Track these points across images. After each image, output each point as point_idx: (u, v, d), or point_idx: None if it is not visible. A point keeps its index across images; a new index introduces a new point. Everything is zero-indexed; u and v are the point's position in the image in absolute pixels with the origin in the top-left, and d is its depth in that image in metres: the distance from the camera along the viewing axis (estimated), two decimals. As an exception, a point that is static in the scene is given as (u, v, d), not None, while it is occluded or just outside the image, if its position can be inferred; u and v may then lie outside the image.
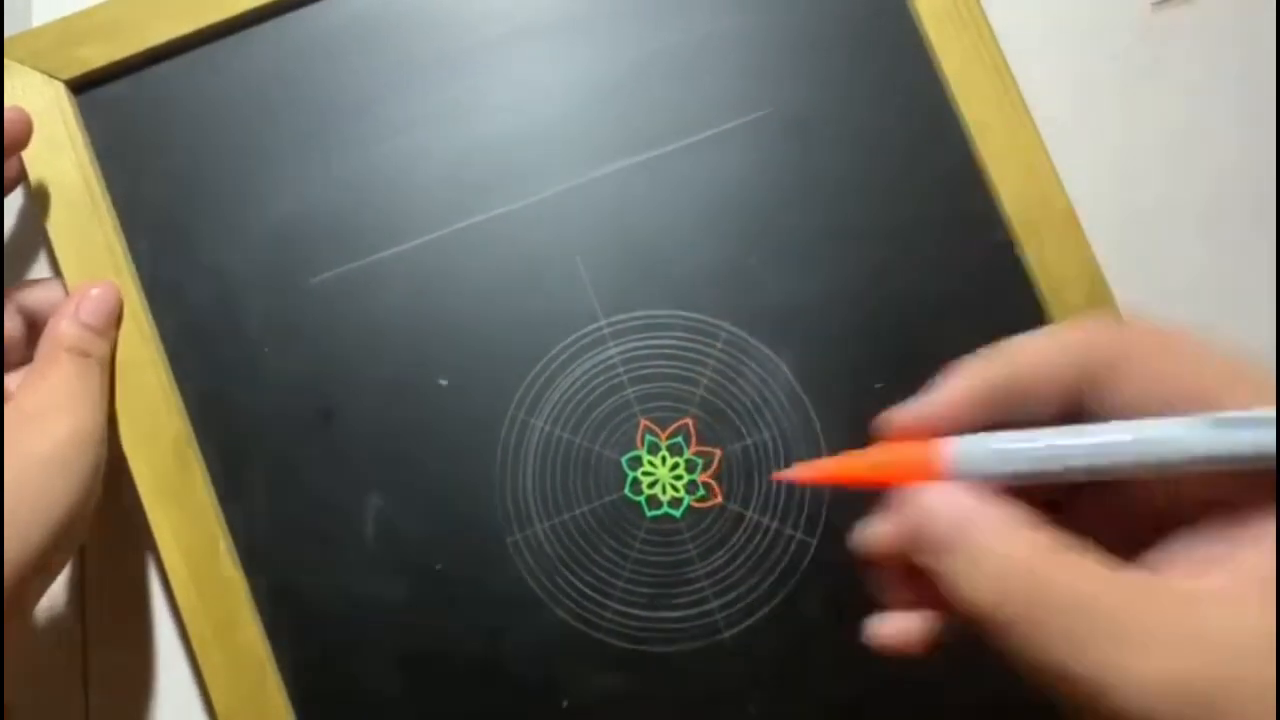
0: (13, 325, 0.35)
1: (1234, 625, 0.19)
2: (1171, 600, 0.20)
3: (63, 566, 0.34)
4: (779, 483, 0.34)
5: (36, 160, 0.36)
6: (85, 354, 0.34)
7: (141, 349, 0.36)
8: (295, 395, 0.36)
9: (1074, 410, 0.23)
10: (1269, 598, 0.19)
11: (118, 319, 0.36)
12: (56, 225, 0.36)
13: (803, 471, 0.26)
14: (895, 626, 0.25)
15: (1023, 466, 0.22)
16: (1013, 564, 0.21)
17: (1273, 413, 0.20)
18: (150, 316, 0.36)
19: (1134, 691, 0.19)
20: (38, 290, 0.36)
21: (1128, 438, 0.21)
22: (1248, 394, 0.21)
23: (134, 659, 0.38)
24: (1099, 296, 0.36)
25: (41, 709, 0.38)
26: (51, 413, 0.32)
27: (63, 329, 0.34)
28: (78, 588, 0.39)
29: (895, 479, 0.24)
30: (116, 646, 0.38)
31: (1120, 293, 0.36)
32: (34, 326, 0.36)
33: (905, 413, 0.24)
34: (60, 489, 0.31)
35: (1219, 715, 0.19)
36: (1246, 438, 0.20)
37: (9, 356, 0.35)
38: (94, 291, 0.35)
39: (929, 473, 0.23)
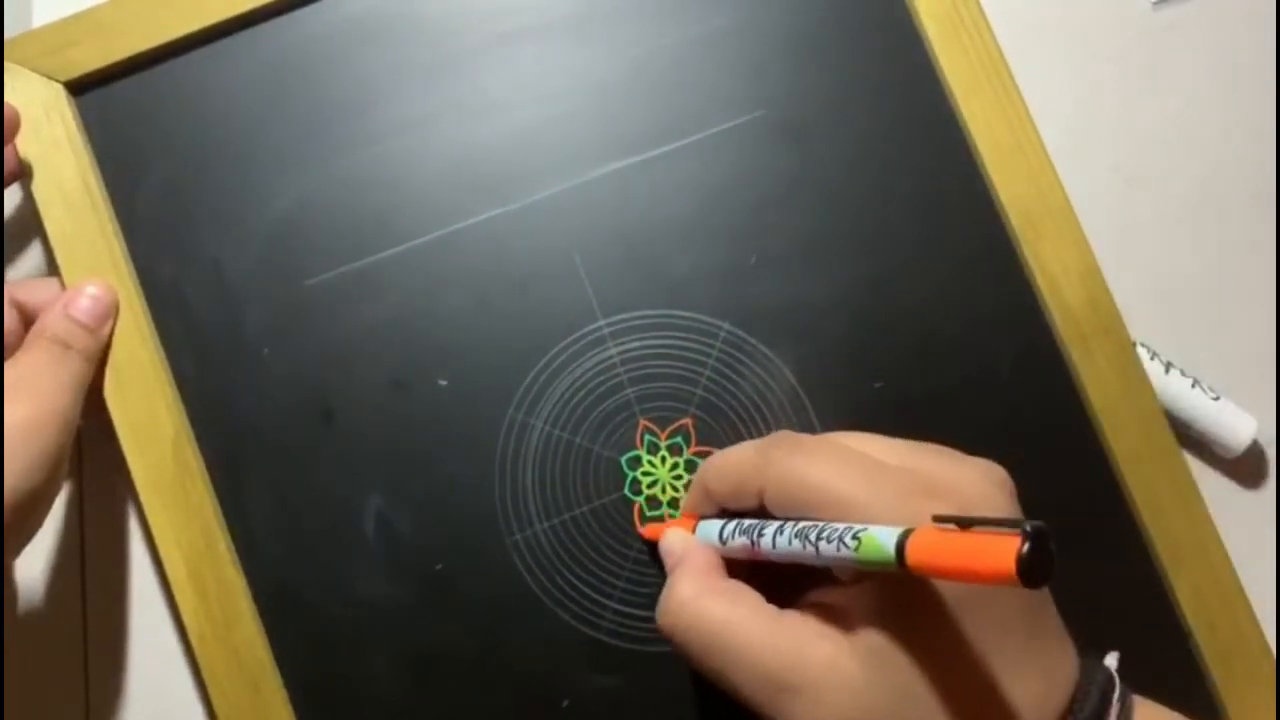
0: (11, 320, 0.35)
1: (812, 651, 0.28)
2: (788, 641, 0.28)
3: (15, 553, 0.33)
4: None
5: (36, 161, 0.36)
6: (66, 346, 0.34)
7: (140, 349, 0.36)
8: (294, 395, 0.36)
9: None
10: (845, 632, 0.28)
11: (110, 317, 0.36)
12: (55, 225, 0.36)
13: (647, 531, 0.36)
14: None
15: (716, 543, 0.32)
16: (682, 598, 0.30)
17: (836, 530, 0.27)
18: (149, 316, 0.36)
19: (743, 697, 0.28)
20: (36, 287, 0.36)
21: (763, 541, 0.29)
22: (834, 511, 0.27)
23: (133, 659, 0.38)
24: (1097, 296, 0.36)
25: (41, 709, 0.38)
26: (10, 394, 0.32)
27: (48, 320, 0.34)
28: (78, 588, 0.39)
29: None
30: (116, 646, 0.38)
31: (1120, 293, 0.36)
32: (30, 323, 0.36)
33: (682, 505, 0.35)
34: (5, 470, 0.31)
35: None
36: (828, 550, 0.27)
37: (6, 351, 0.35)
38: (89, 289, 0.35)
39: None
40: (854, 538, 0.25)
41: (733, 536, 0.31)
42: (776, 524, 0.29)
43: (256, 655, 0.35)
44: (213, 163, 0.37)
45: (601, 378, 0.36)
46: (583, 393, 0.36)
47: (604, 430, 0.36)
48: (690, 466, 0.36)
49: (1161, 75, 0.40)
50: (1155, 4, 0.40)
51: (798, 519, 0.29)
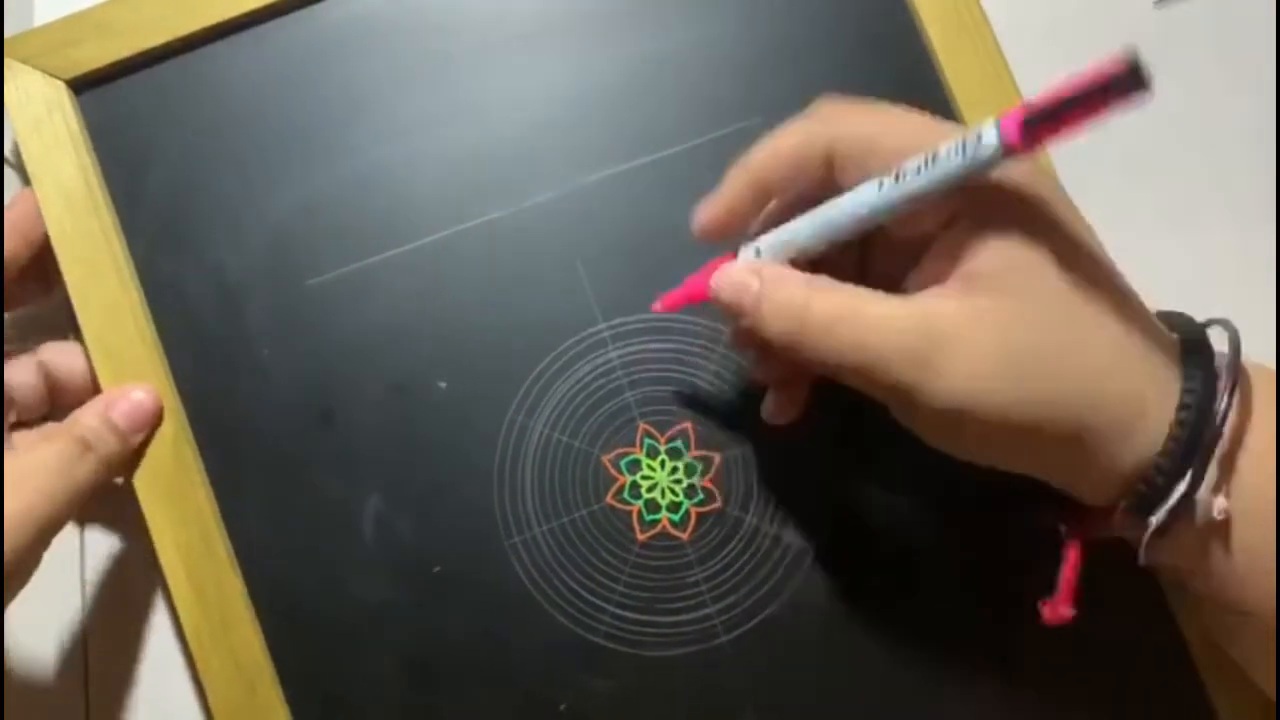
0: (36, 382, 0.35)
1: (939, 307, 0.26)
2: (901, 302, 0.26)
3: None
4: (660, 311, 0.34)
5: (37, 160, 0.36)
6: (88, 447, 0.34)
7: (140, 349, 0.36)
8: (294, 397, 0.36)
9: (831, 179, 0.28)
10: (965, 288, 0.26)
11: (148, 426, 0.35)
12: (56, 225, 0.36)
13: (663, 302, 0.33)
14: (773, 401, 0.32)
15: (777, 253, 0.29)
16: (795, 301, 0.27)
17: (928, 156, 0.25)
18: (149, 316, 0.36)
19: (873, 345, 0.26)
20: (63, 354, 0.36)
21: (835, 210, 0.27)
22: (920, 141, 0.26)
23: (132, 660, 0.38)
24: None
25: (41, 710, 0.38)
26: (7, 487, 0.32)
27: (84, 417, 0.34)
28: (77, 588, 0.39)
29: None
30: (115, 647, 0.38)
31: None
32: (53, 388, 0.36)
33: (702, 211, 0.30)
34: None
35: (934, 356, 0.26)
36: (912, 181, 0.25)
37: (24, 410, 0.35)
38: (134, 393, 0.35)
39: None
40: (957, 151, 0.24)
41: (794, 230, 0.28)
42: (849, 191, 0.27)
43: (254, 657, 0.35)
44: (214, 162, 0.37)
45: (601, 381, 0.36)
46: (582, 396, 0.36)
47: (603, 433, 0.36)
48: (690, 470, 0.36)
49: (1162, 75, 0.40)
50: (1156, 4, 0.40)
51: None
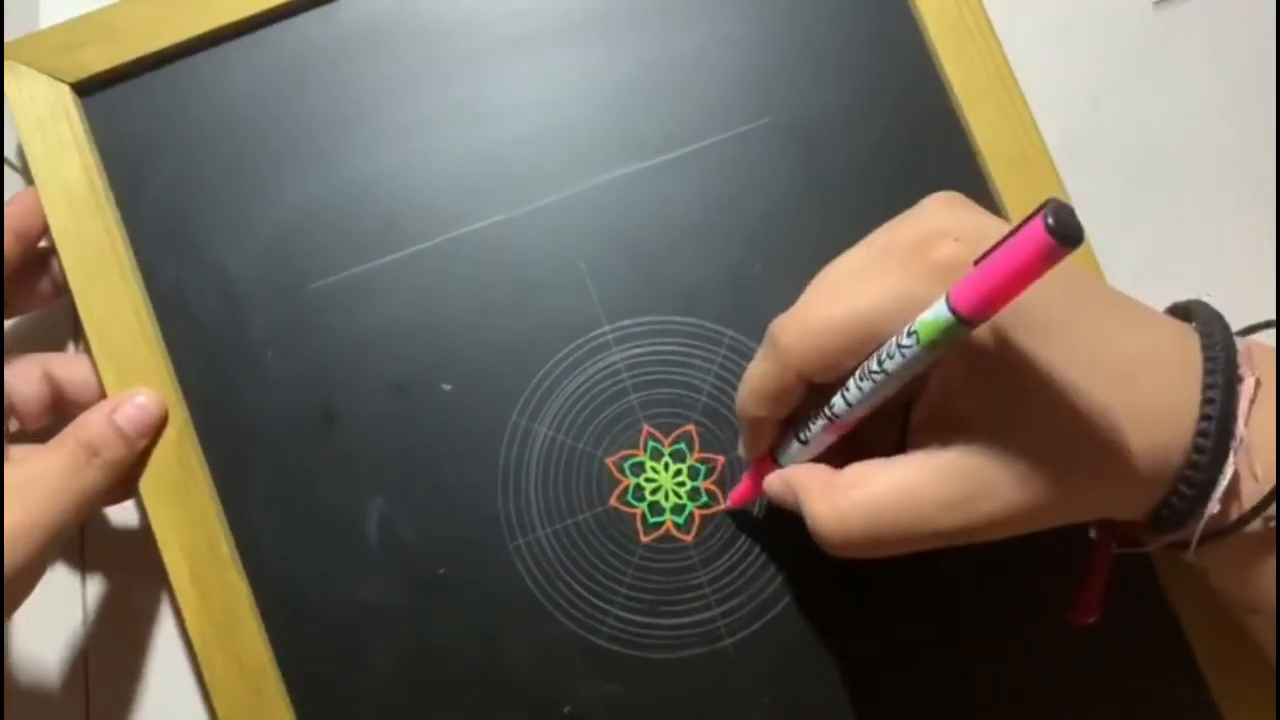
0: (41, 391, 0.35)
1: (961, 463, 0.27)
2: (927, 470, 0.27)
3: None
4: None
5: (41, 162, 0.36)
6: (93, 453, 0.34)
7: (144, 351, 0.36)
8: (298, 399, 0.36)
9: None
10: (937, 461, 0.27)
11: (152, 432, 0.35)
12: (60, 227, 0.36)
13: (731, 500, 0.35)
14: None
15: (801, 451, 0.31)
16: (835, 510, 0.28)
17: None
18: (153, 319, 0.36)
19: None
20: (70, 365, 0.36)
21: (832, 405, 0.29)
22: (870, 330, 0.27)
23: (135, 661, 0.38)
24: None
25: (43, 712, 0.38)
26: (14, 494, 0.32)
27: (89, 422, 0.34)
28: (79, 589, 0.39)
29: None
30: (118, 648, 0.38)
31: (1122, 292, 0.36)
32: (58, 397, 0.36)
33: (747, 455, 0.33)
34: None
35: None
36: (895, 365, 0.26)
37: (26, 419, 0.35)
38: (138, 398, 0.35)
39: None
40: (909, 335, 0.25)
41: (810, 430, 0.30)
42: (838, 390, 0.28)
43: (258, 658, 0.35)
44: (218, 165, 0.37)
45: (605, 383, 0.36)
46: (586, 398, 0.36)
47: (607, 436, 0.36)
48: (693, 473, 0.36)
49: (1162, 75, 0.40)
50: (1156, 4, 0.40)
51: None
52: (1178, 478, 0.27)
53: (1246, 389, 0.27)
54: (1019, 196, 0.36)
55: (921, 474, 0.27)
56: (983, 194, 0.36)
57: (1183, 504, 0.27)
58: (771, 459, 0.32)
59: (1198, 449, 0.26)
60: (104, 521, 0.39)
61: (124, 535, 0.39)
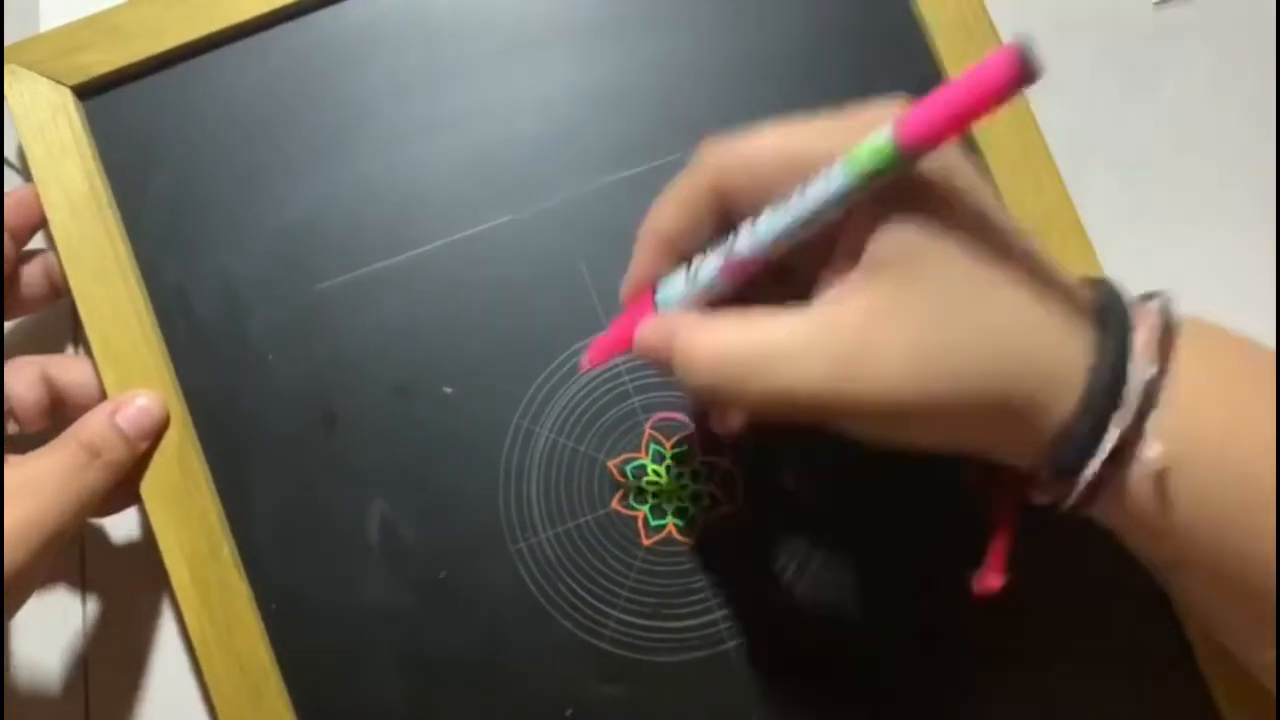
0: (39, 393, 0.35)
1: (842, 317, 0.25)
2: (819, 320, 0.25)
3: None
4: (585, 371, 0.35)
5: (42, 165, 0.36)
6: (95, 454, 0.34)
7: (145, 354, 0.36)
8: (299, 401, 0.36)
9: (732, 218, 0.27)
10: (866, 280, 0.25)
11: (153, 434, 0.35)
12: (62, 230, 0.36)
13: (589, 357, 0.32)
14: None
15: (688, 290, 0.28)
16: (703, 352, 0.26)
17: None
18: (154, 322, 0.36)
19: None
20: (69, 367, 0.36)
21: (735, 238, 0.26)
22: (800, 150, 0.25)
23: (136, 663, 0.38)
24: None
25: (43, 714, 0.38)
26: (15, 494, 0.32)
27: (90, 423, 0.34)
28: (79, 590, 0.39)
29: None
30: (118, 650, 0.38)
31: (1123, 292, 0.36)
32: (57, 400, 0.36)
33: (625, 288, 0.30)
34: None
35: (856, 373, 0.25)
36: (818, 193, 0.24)
37: (25, 422, 0.35)
38: (139, 399, 0.35)
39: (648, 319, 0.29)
40: (840, 165, 0.24)
41: (701, 267, 0.27)
42: (748, 221, 0.26)
43: (259, 661, 0.35)
44: (220, 168, 0.37)
45: (607, 386, 0.36)
46: (588, 401, 0.36)
47: (609, 439, 0.36)
48: (696, 476, 0.36)
49: (1162, 75, 0.40)
50: (1156, 4, 0.40)
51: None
52: (1070, 423, 0.25)
53: (1143, 344, 0.25)
54: (1021, 197, 0.36)
55: (807, 322, 0.25)
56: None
57: (1076, 449, 0.25)
58: (651, 303, 0.29)
59: (1089, 397, 0.25)
60: (105, 523, 0.39)
61: (125, 537, 0.39)
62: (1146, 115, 0.40)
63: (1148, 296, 0.28)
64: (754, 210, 0.26)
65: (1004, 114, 0.36)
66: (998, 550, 0.30)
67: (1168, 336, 0.26)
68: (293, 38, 0.38)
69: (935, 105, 0.22)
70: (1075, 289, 0.27)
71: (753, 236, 0.26)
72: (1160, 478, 0.26)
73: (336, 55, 0.37)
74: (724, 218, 0.27)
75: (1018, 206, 0.36)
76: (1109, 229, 0.37)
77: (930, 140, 0.23)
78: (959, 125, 0.22)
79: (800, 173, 0.25)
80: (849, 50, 0.37)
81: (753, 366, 0.25)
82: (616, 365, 0.36)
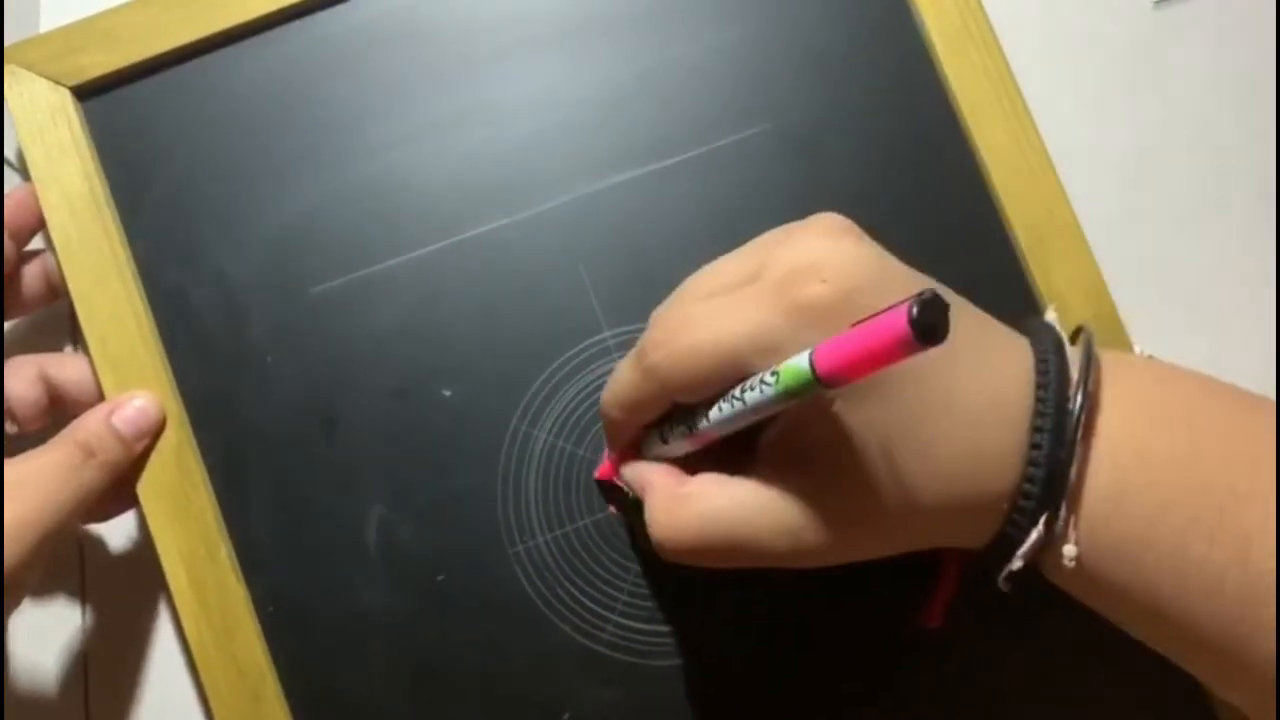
0: (36, 391, 0.35)
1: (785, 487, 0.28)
2: (766, 497, 0.28)
3: None
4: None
5: (41, 167, 0.36)
6: (90, 454, 0.34)
7: (144, 356, 0.36)
8: (297, 404, 0.36)
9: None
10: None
11: (150, 434, 0.35)
12: (60, 231, 0.36)
13: (598, 474, 0.36)
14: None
15: (661, 452, 0.31)
16: (668, 516, 0.29)
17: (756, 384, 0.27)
18: (152, 324, 0.36)
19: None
20: (66, 365, 0.36)
21: (695, 420, 0.29)
22: (735, 363, 0.27)
23: (134, 666, 0.38)
24: (1104, 312, 0.36)
25: (42, 715, 0.38)
26: (10, 492, 0.32)
27: (87, 423, 0.34)
28: (78, 593, 0.39)
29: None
30: (116, 654, 0.38)
31: (1123, 293, 0.36)
32: (56, 399, 0.36)
33: (609, 451, 0.35)
34: None
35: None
36: (756, 398, 0.27)
37: (23, 421, 0.35)
38: (136, 400, 0.35)
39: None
40: (772, 375, 0.26)
41: (673, 435, 0.31)
42: (705, 407, 0.29)
43: (257, 664, 0.35)
44: (219, 169, 0.37)
45: (606, 389, 0.36)
46: (587, 404, 0.36)
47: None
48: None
49: (1162, 75, 0.40)
50: (1156, 4, 0.40)
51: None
52: (1006, 519, 0.28)
53: (1074, 421, 0.27)
54: (1019, 201, 0.36)
55: (758, 498, 0.28)
56: (983, 199, 0.36)
57: (1007, 546, 0.28)
58: (634, 449, 0.33)
59: (1025, 495, 0.27)
60: (104, 526, 0.39)
61: (123, 540, 0.39)
62: (1146, 115, 0.40)
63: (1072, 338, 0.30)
64: (696, 397, 0.29)
65: (1002, 114, 0.36)
66: (941, 597, 0.34)
67: (1117, 388, 0.28)
68: (292, 39, 0.38)
69: (842, 347, 0.24)
70: (1016, 365, 0.28)
71: (708, 422, 0.29)
72: (1078, 562, 0.28)
73: (336, 57, 0.37)
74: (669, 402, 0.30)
75: (1016, 207, 0.36)
76: (1108, 229, 0.37)
77: (843, 377, 0.24)
78: (865, 369, 0.23)
79: (737, 373, 0.27)
80: (846, 56, 0.37)
81: (718, 540, 0.29)
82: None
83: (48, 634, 0.39)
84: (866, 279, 0.27)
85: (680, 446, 0.31)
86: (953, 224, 0.37)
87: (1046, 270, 0.36)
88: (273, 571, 0.36)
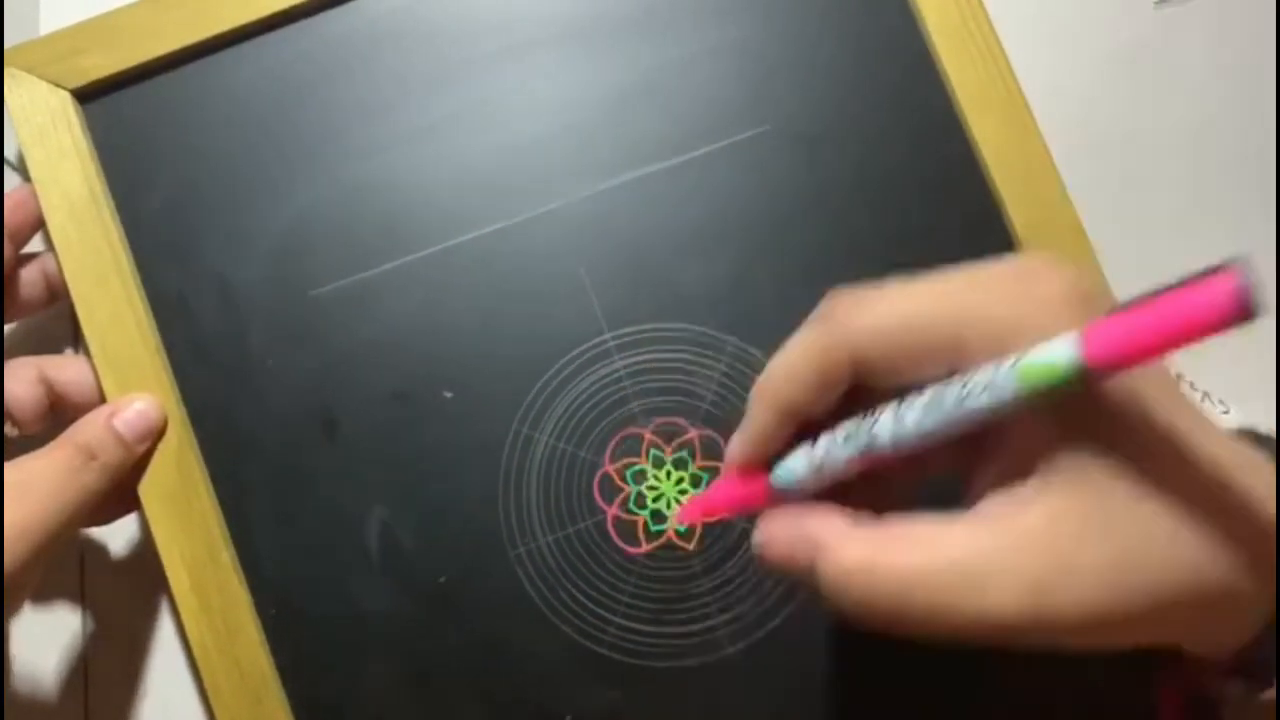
0: (36, 393, 0.35)
1: (1051, 554, 0.22)
2: (1005, 540, 0.22)
3: None
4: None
5: (42, 169, 0.36)
6: (91, 456, 0.33)
7: (144, 359, 0.36)
8: (298, 407, 0.36)
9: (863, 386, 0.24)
10: (1068, 528, 0.22)
11: (151, 436, 0.35)
12: (61, 233, 0.36)
13: (681, 514, 0.32)
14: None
15: (811, 475, 0.25)
16: (847, 571, 0.23)
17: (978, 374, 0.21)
18: (153, 327, 0.36)
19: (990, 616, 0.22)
20: (66, 367, 0.36)
21: (875, 425, 0.23)
22: (951, 332, 0.22)
23: (136, 669, 0.38)
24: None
25: (42, 718, 0.38)
26: (11, 495, 0.32)
27: (88, 425, 0.34)
28: (79, 596, 0.39)
29: (743, 508, 0.27)
30: (118, 657, 0.38)
31: (1123, 294, 0.36)
32: (56, 401, 0.36)
33: (733, 452, 0.27)
34: None
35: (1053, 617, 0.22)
36: (980, 401, 0.21)
37: (24, 424, 0.35)
38: (136, 403, 0.35)
39: (760, 498, 0.26)
40: (1011, 368, 0.20)
41: (832, 453, 0.24)
42: (889, 406, 0.23)
43: (259, 667, 0.35)
44: (219, 172, 0.37)
45: (607, 391, 0.36)
46: (588, 406, 0.36)
47: (609, 443, 0.36)
48: (695, 481, 0.36)
49: (1163, 75, 0.40)
50: (1156, 4, 0.40)
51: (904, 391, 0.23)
52: (1264, 633, 0.23)
53: None
54: (1020, 202, 0.36)
55: (993, 541, 0.22)
56: (984, 199, 0.36)
57: (1266, 649, 0.23)
58: (764, 479, 0.26)
59: None
60: (105, 529, 0.39)
61: (125, 543, 0.39)
62: (1146, 115, 0.40)
63: None
64: (884, 383, 0.23)
65: (1003, 114, 0.36)
66: None
67: None
68: (292, 41, 0.37)
69: (1135, 325, 0.20)
70: (1252, 483, 0.23)
71: (896, 431, 0.23)
72: None
73: (336, 59, 0.37)
74: (849, 387, 0.25)
75: (1018, 209, 0.36)
76: (1109, 230, 0.37)
77: (1123, 363, 0.20)
78: (1160, 350, 0.19)
79: (945, 355, 0.22)
80: (846, 57, 0.37)
81: (930, 594, 0.22)
82: (617, 371, 0.36)
83: (48, 637, 0.39)
84: (1101, 290, 0.23)
85: (839, 470, 0.24)
86: (953, 224, 0.36)
87: (1048, 271, 0.36)
88: (274, 574, 0.36)
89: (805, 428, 0.25)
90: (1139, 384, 0.22)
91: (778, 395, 0.25)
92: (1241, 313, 0.18)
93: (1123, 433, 0.22)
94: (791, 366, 0.25)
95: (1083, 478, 0.22)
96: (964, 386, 0.21)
